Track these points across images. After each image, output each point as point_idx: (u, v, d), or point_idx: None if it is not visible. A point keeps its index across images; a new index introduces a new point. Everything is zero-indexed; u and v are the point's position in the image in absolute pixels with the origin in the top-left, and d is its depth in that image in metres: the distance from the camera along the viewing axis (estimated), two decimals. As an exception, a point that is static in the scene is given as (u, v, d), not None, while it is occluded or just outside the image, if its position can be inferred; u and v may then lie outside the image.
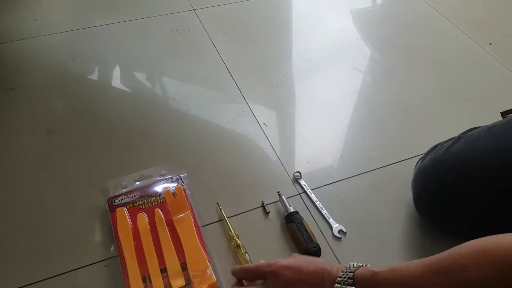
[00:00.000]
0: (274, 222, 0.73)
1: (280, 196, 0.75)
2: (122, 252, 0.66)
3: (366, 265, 0.53)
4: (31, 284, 0.64)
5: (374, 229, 0.73)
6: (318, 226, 0.73)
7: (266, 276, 0.59)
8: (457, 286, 0.42)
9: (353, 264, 0.53)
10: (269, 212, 0.74)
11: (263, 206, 0.75)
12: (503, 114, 0.71)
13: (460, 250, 0.44)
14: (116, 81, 1.01)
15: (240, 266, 0.63)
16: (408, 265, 0.47)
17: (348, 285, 0.50)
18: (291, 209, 0.72)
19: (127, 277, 0.64)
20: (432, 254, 0.67)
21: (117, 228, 0.69)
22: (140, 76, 1.02)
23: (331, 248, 0.70)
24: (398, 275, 0.47)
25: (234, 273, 0.63)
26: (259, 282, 0.61)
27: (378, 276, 0.49)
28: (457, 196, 0.63)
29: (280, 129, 0.91)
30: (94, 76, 1.02)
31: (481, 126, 0.66)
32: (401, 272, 0.47)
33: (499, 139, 0.60)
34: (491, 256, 0.40)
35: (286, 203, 0.73)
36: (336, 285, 0.51)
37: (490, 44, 1.13)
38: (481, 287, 0.40)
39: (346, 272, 0.52)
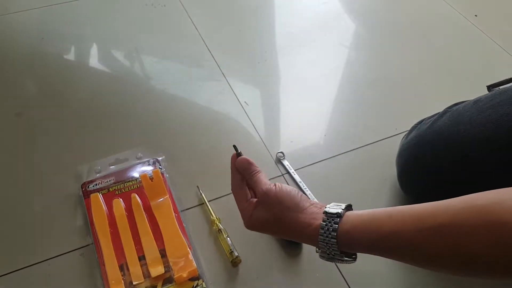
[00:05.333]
0: (256, 204, 0.71)
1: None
2: (98, 240, 0.64)
3: (342, 210, 0.47)
4: (2, 275, 0.61)
5: (359, 208, 0.70)
6: (301, 207, 0.70)
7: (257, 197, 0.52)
8: (465, 262, 0.37)
9: (331, 225, 0.45)
10: None
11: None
12: (489, 87, 0.69)
13: (462, 212, 0.37)
14: (88, 59, 0.96)
15: (247, 168, 0.54)
16: (394, 220, 0.42)
17: (333, 250, 0.45)
18: None
19: (104, 265, 0.61)
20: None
21: (92, 215, 0.66)
22: (114, 54, 0.97)
23: (315, 229, 0.68)
24: (394, 239, 0.41)
25: (240, 163, 0.55)
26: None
27: (370, 242, 0.43)
28: (440, 172, 0.61)
29: (262, 107, 0.87)
30: (65, 55, 0.97)
31: (467, 101, 0.64)
32: (395, 236, 0.41)
33: (484, 113, 0.58)
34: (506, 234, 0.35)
35: None
36: (320, 245, 0.46)
37: (476, 16, 1.10)
38: (484, 264, 0.36)
39: (328, 238, 0.45)
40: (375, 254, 0.44)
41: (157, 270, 0.61)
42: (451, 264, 0.39)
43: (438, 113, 0.66)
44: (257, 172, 0.54)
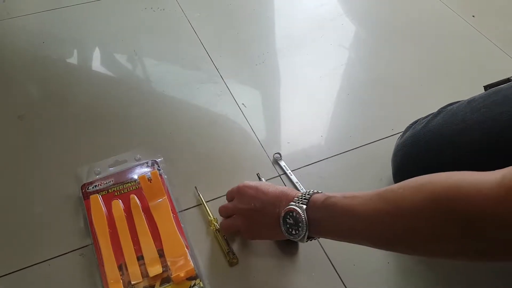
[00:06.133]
0: (253, 205, 0.72)
1: (259, 178, 0.74)
2: (97, 240, 0.65)
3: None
4: (2, 276, 0.62)
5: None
6: (298, 207, 0.71)
7: (235, 196, 0.64)
8: (395, 214, 0.44)
9: (312, 190, 0.54)
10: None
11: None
12: (486, 87, 0.69)
13: (404, 183, 0.46)
14: (88, 63, 0.97)
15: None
16: (361, 193, 0.49)
17: (302, 204, 0.52)
18: None
19: (103, 265, 0.62)
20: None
21: (91, 216, 0.67)
22: (113, 57, 0.98)
23: (311, 229, 0.68)
24: (348, 201, 0.49)
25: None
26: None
27: (330, 200, 0.51)
28: (434, 171, 0.61)
29: (260, 109, 0.88)
30: (65, 59, 0.98)
31: (461, 100, 0.64)
32: (352, 199, 0.49)
33: (478, 112, 0.59)
34: (425, 189, 0.42)
35: None
36: (291, 203, 0.54)
37: (473, 16, 1.11)
38: (412, 216, 0.42)
39: (304, 194, 0.54)
40: (330, 216, 0.51)
41: (155, 269, 0.62)
42: (390, 225, 0.45)
43: (433, 113, 0.67)
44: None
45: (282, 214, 0.54)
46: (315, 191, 0.54)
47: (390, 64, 0.98)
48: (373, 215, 0.46)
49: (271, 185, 0.60)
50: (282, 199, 0.56)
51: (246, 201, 0.60)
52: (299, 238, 0.53)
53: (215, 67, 0.95)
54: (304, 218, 0.51)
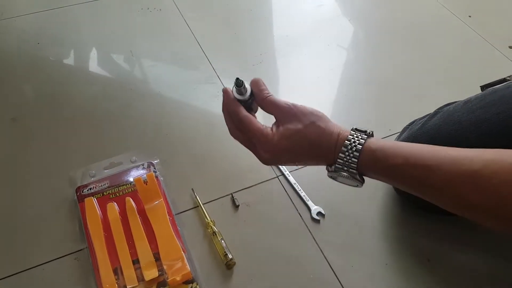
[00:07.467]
0: (251, 207, 0.71)
1: (239, 83, 0.55)
2: (92, 244, 0.64)
3: (371, 133, 0.48)
4: (-4, 281, 0.62)
5: (353, 210, 0.71)
6: (296, 209, 0.71)
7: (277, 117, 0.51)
8: (494, 207, 0.40)
9: (353, 142, 0.46)
10: (238, 205, 0.71)
11: (232, 199, 0.72)
12: (483, 88, 0.69)
13: (497, 170, 0.40)
14: (84, 64, 0.96)
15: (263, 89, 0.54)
16: (430, 155, 0.43)
17: (352, 169, 0.46)
18: None
19: (98, 269, 0.61)
20: (411, 233, 0.68)
21: (86, 219, 0.66)
22: (109, 58, 0.97)
23: (310, 231, 0.68)
24: (424, 172, 0.43)
25: (254, 82, 0.55)
26: None
27: (393, 169, 0.45)
28: None
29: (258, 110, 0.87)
30: (60, 60, 0.97)
31: (458, 101, 0.64)
32: (424, 166, 0.43)
33: (474, 113, 0.58)
34: None
35: None
36: (337, 166, 0.47)
37: (469, 16, 1.11)
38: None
39: (348, 156, 0.46)
40: (390, 180, 0.46)
41: (151, 273, 0.61)
42: (477, 207, 0.41)
43: (430, 114, 0.66)
44: (271, 94, 0.52)
45: (333, 174, 0.48)
46: (358, 145, 0.46)
47: (387, 64, 0.98)
48: (462, 200, 0.42)
49: (302, 138, 0.49)
50: (323, 159, 0.49)
51: (282, 160, 0.53)
52: (355, 185, 0.49)
53: (212, 68, 0.94)
54: (359, 182, 0.47)
